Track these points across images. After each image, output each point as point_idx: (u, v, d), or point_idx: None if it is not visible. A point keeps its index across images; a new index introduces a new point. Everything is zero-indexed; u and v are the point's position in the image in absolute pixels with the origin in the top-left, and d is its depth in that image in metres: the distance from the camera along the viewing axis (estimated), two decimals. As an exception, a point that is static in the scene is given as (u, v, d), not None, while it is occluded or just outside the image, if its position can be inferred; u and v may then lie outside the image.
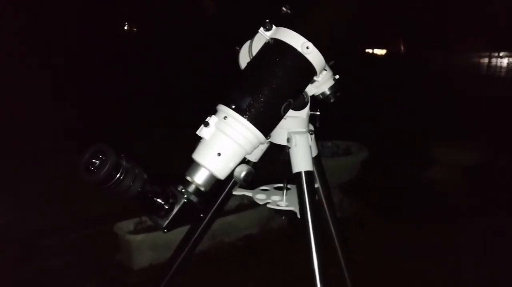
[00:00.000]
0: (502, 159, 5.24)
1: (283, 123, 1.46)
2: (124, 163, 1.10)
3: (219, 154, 1.28)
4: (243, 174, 1.33)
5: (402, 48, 15.36)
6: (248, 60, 1.48)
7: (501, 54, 12.91)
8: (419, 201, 4.37)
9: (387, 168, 5.17)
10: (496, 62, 13.02)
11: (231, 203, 3.70)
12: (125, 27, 17.83)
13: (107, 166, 1.06)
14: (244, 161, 1.37)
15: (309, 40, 1.32)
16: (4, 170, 4.46)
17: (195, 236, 1.78)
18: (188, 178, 1.29)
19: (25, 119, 6.13)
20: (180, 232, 1.58)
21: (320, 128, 1.63)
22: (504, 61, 13.12)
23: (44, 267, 3.12)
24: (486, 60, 13.12)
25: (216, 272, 3.19)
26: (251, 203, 3.68)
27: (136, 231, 3.25)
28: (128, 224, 3.27)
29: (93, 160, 1.09)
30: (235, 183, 1.71)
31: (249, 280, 3.09)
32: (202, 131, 1.29)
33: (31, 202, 3.92)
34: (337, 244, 1.94)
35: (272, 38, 1.37)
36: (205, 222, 1.77)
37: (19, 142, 5.32)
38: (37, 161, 4.82)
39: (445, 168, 5.05)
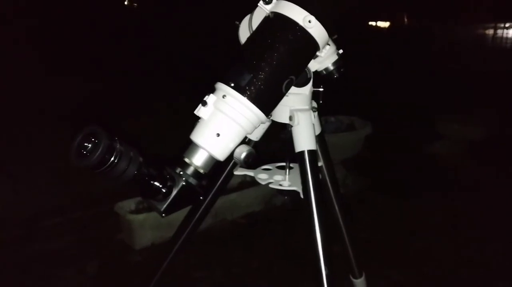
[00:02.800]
0: (507, 133, 5.18)
1: (285, 101, 1.39)
2: (118, 145, 1.05)
3: (218, 135, 1.22)
4: (243, 155, 1.27)
5: (405, 20, 15.15)
6: (248, 35, 1.42)
7: (507, 25, 12.70)
8: (424, 176, 4.35)
9: (391, 143, 5.12)
10: (502, 33, 12.82)
11: (234, 181, 3.68)
12: (125, 2, 17.65)
13: (100, 150, 1.00)
14: (244, 140, 1.32)
15: (311, 13, 1.25)
16: (3, 152, 4.43)
17: (197, 215, 1.76)
18: (186, 160, 1.23)
19: (23, 99, 6.06)
20: (182, 211, 1.55)
21: (323, 104, 1.58)
22: (510, 32, 12.92)
23: (46, 248, 3.12)
24: (491, 31, 12.92)
25: (219, 251, 3.19)
26: (254, 181, 3.65)
27: (137, 211, 3.23)
28: (129, 204, 3.25)
29: (85, 144, 1.03)
30: (236, 163, 1.67)
31: (252, 259, 3.08)
32: (200, 111, 1.23)
33: (32, 183, 3.90)
34: (341, 222, 1.91)
35: (272, 12, 1.30)
36: (206, 202, 1.74)
37: (18, 123, 5.27)
38: (37, 141, 4.79)
39: (450, 143, 5.01)
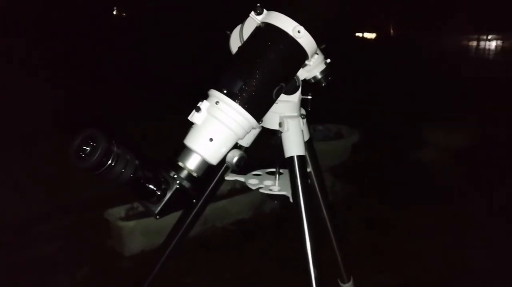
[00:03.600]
0: (492, 140, 5.29)
1: (275, 108, 1.45)
2: (115, 149, 1.09)
3: (211, 140, 1.27)
4: (235, 159, 1.33)
5: (391, 31, 15.36)
6: (239, 44, 1.47)
7: (489, 37, 13.01)
8: (411, 183, 4.40)
9: (378, 150, 5.19)
10: (485, 45, 13.11)
11: (223, 188, 3.70)
12: (114, 12, 17.67)
13: (98, 153, 1.04)
14: (236, 146, 1.37)
15: (301, 24, 1.31)
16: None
17: (188, 221, 1.79)
18: (180, 163, 1.28)
19: (13, 103, 6.03)
20: (172, 217, 1.58)
21: (311, 112, 1.63)
22: (492, 44, 13.22)
23: (36, 254, 3.11)
24: (474, 43, 13.20)
25: (209, 257, 3.21)
26: (243, 188, 3.68)
27: (127, 217, 3.24)
28: (119, 211, 3.26)
29: (84, 147, 1.07)
30: (227, 168, 1.71)
31: (243, 265, 3.11)
32: (193, 117, 1.28)
33: (22, 188, 3.89)
34: (329, 227, 1.95)
35: (263, 22, 1.36)
36: (197, 207, 1.77)
37: (7, 127, 5.24)
38: (27, 146, 4.78)
39: (436, 150, 5.10)
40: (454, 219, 3.65)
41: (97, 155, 1.05)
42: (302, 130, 1.55)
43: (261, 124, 1.50)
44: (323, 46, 1.55)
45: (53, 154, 3.73)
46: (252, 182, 1.76)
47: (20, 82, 7.03)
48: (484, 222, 3.59)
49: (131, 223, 3.15)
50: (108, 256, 3.18)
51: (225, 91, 1.27)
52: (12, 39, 8.97)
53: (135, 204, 3.28)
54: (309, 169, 1.75)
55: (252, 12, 1.38)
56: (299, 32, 1.31)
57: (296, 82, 1.52)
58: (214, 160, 1.30)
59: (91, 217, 3.47)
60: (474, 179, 4.41)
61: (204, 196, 1.76)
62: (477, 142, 5.19)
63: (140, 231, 3.16)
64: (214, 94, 1.29)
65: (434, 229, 3.54)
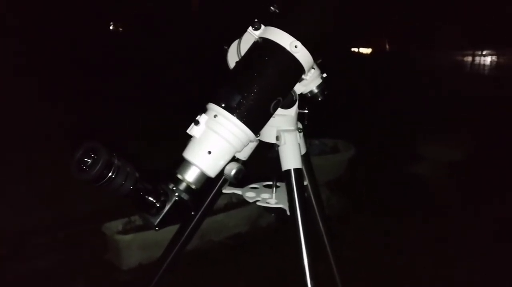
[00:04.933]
0: (485, 154, 5.32)
1: (272, 121, 1.48)
2: (116, 161, 1.11)
3: (209, 152, 1.30)
4: (233, 172, 1.35)
5: (387, 45, 15.49)
6: (237, 59, 1.50)
7: (484, 53, 13.13)
8: (406, 197, 4.42)
9: (374, 165, 5.21)
10: (479, 60, 13.24)
11: (220, 202, 3.70)
12: (111, 27, 17.77)
13: (99, 165, 1.07)
14: (233, 159, 1.39)
15: (297, 39, 1.35)
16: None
17: (185, 234, 1.80)
18: (179, 176, 1.30)
19: (11, 116, 6.03)
20: (170, 231, 1.60)
21: (308, 126, 1.66)
22: (487, 60, 13.35)
23: (32, 267, 3.09)
24: (469, 58, 13.33)
25: (206, 271, 3.20)
26: (240, 202, 3.70)
27: (125, 231, 3.23)
28: (116, 224, 3.25)
29: (85, 159, 1.09)
30: (225, 181, 1.73)
31: (240, 279, 3.11)
32: (192, 130, 1.31)
33: (18, 201, 3.88)
34: (325, 240, 1.97)
35: (261, 37, 1.39)
36: (195, 220, 1.79)
37: (5, 140, 5.24)
38: (24, 159, 4.77)
39: (431, 164, 5.13)
40: (449, 233, 3.66)
41: (98, 167, 1.07)
42: (299, 144, 1.57)
43: (258, 138, 1.53)
44: (319, 60, 1.58)
45: (50, 167, 3.75)
46: (249, 195, 1.78)
47: (18, 95, 7.03)
48: (479, 236, 3.61)
49: (128, 237, 3.14)
50: (105, 269, 3.17)
51: (223, 105, 1.30)
52: (12, 40, 9.00)
53: (133, 218, 3.28)
54: (305, 183, 1.77)
55: (250, 27, 1.42)
56: (296, 47, 1.35)
57: (293, 96, 1.54)
58: (212, 172, 1.33)
59: (88, 230, 3.46)
60: (469, 193, 4.43)
61: (202, 209, 1.77)
62: (471, 156, 5.23)
63: (137, 245, 3.15)
64: (213, 107, 1.32)
65: (429, 242, 3.55)
